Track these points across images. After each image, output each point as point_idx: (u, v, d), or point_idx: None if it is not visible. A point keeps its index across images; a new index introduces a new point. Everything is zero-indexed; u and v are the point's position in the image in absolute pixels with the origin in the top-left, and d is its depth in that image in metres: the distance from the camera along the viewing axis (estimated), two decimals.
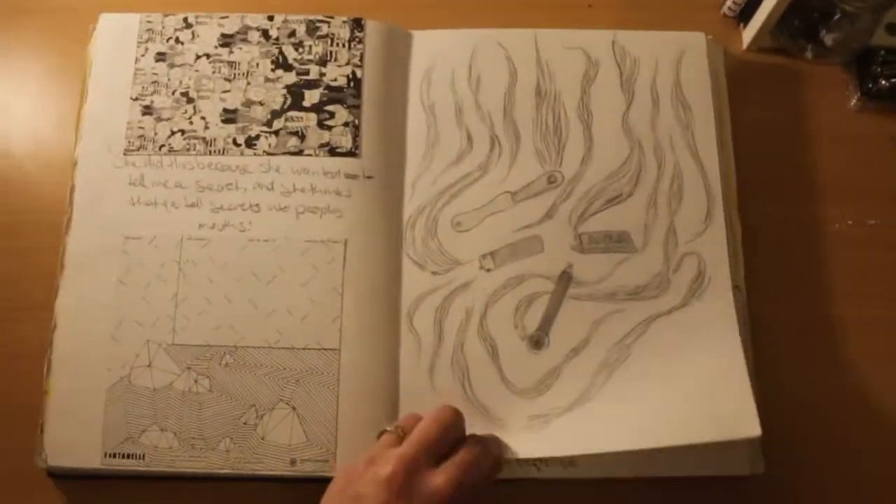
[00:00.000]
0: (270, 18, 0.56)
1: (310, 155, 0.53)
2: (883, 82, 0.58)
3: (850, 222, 0.57)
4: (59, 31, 0.59)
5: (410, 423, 0.46)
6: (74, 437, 0.49)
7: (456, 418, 0.46)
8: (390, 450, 0.43)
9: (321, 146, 0.53)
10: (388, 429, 0.46)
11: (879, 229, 0.56)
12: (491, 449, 0.46)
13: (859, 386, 0.53)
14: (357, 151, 0.53)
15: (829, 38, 0.58)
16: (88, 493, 0.50)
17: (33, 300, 0.52)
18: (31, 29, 0.60)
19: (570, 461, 0.49)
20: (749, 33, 0.60)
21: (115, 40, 0.56)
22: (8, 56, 0.59)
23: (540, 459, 0.49)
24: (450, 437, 0.45)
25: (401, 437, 0.45)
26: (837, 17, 0.57)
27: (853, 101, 0.59)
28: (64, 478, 0.50)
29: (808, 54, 0.60)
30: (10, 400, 0.51)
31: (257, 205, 0.52)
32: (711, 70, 0.57)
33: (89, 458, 0.48)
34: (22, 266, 0.54)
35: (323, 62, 0.55)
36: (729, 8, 0.60)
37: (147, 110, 0.54)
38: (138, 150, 0.53)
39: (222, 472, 0.48)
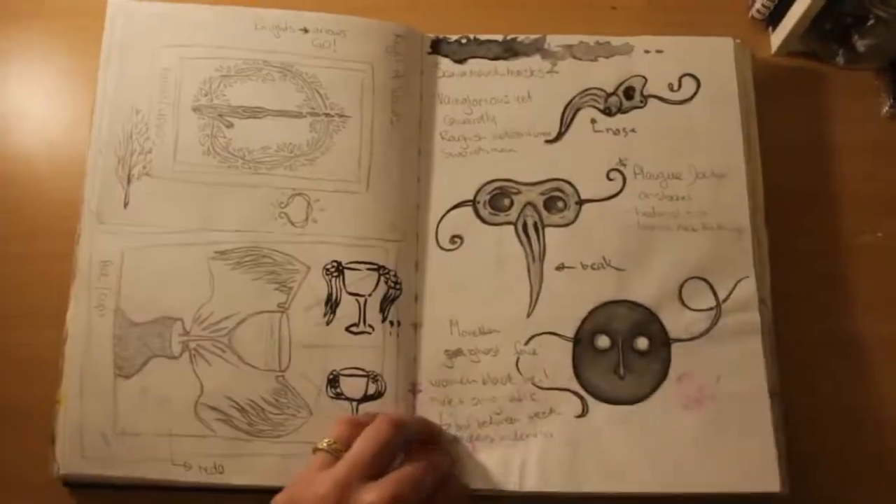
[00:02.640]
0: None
1: None
2: None
3: (880, 234, 0.55)
4: (72, 31, 0.58)
5: (347, 436, 0.45)
6: (87, 445, 0.48)
7: (393, 433, 0.44)
8: (324, 472, 0.42)
9: None
10: (322, 446, 0.45)
11: None
12: (438, 461, 0.45)
13: (889, 402, 0.52)
14: None
15: (861, 44, 0.56)
16: (104, 502, 0.50)
17: (47, 307, 0.51)
18: (43, 30, 0.59)
19: None
20: (778, 37, 0.58)
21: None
22: (21, 58, 0.59)
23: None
24: (387, 454, 0.44)
25: (335, 454, 0.44)
26: (871, 22, 0.56)
27: (885, 109, 0.57)
28: (79, 486, 0.49)
29: (840, 60, 0.58)
30: (25, 408, 0.51)
31: None
32: (739, 76, 0.55)
33: (103, 466, 0.48)
34: (37, 272, 0.53)
35: None
36: (758, 11, 0.59)
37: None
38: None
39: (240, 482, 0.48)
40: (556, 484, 0.48)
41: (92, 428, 0.48)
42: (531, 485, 0.48)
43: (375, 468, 0.43)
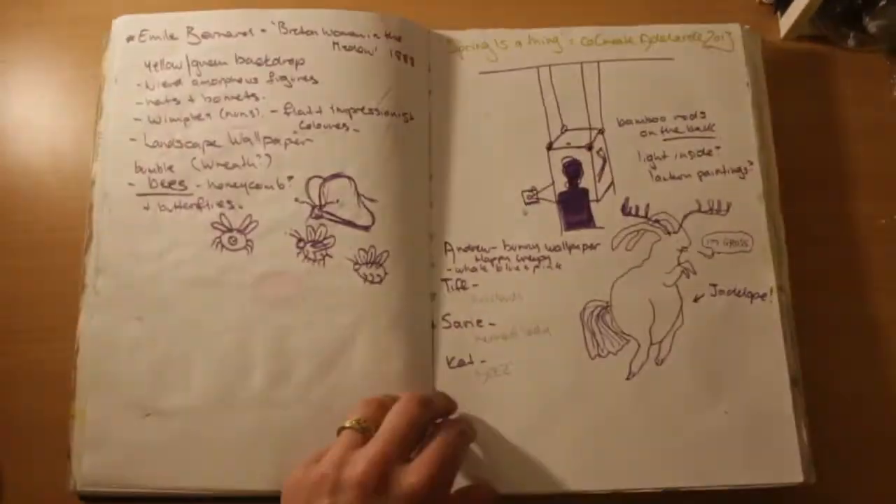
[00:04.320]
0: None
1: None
2: None
3: None
4: (76, 40, 0.58)
5: (374, 415, 0.43)
6: (103, 459, 0.47)
7: (424, 410, 0.43)
8: (356, 451, 0.41)
9: None
10: (348, 424, 0.43)
11: None
12: (466, 432, 0.45)
13: None
14: None
15: (873, 25, 0.56)
16: None
17: (58, 320, 0.51)
18: (47, 40, 0.59)
19: None
20: (787, 21, 0.57)
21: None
22: (26, 68, 0.58)
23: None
24: (418, 431, 0.43)
25: (364, 433, 0.42)
26: (883, 2, 0.55)
27: None
28: (97, 500, 0.49)
29: (850, 42, 0.57)
30: (40, 423, 0.50)
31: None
32: (749, 61, 0.54)
33: (119, 480, 0.47)
34: (46, 285, 0.53)
35: None
36: None
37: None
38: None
39: (257, 489, 0.47)
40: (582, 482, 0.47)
41: (107, 441, 0.48)
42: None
43: (408, 446, 0.42)
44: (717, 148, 0.53)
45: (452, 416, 0.47)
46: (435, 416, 0.45)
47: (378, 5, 0.55)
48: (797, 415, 0.48)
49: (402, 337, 0.49)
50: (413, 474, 0.40)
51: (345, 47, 0.53)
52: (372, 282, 0.50)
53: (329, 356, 0.49)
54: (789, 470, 0.47)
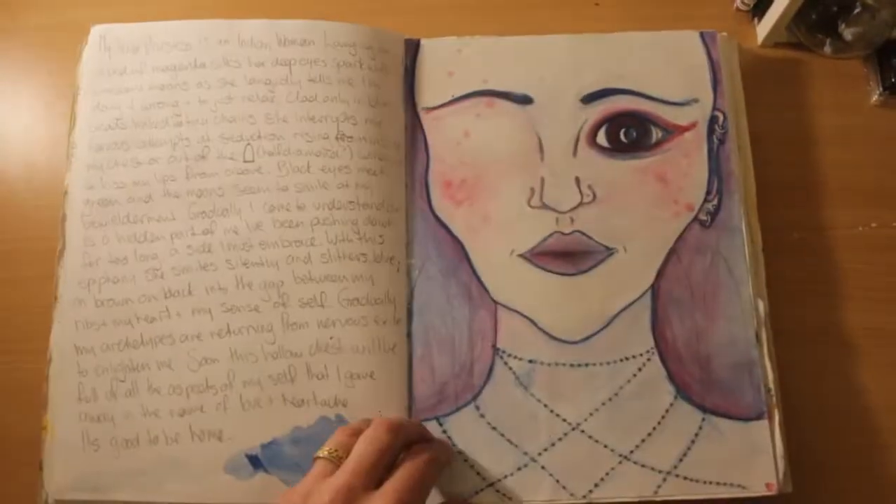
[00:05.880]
0: None
1: None
2: None
3: (874, 225, 0.54)
4: (52, 49, 0.58)
5: (347, 443, 0.43)
6: (75, 470, 0.47)
7: (392, 437, 0.43)
8: (324, 481, 0.41)
9: None
10: (322, 455, 0.43)
11: None
12: (436, 455, 0.44)
13: (888, 395, 0.51)
14: None
15: (848, 32, 0.56)
16: None
17: (31, 331, 0.51)
18: (22, 47, 0.58)
19: None
20: (764, 28, 0.57)
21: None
22: (0, 76, 0.58)
23: None
24: (387, 457, 0.43)
25: (336, 462, 0.42)
26: (857, 10, 0.55)
27: (874, 97, 0.57)
28: None
29: (827, 49, 0.57)
30: (12, 435, 0.50)
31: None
32: (726, 68, 0.54)
33: (91, 491, 0.47)
34: (20, 296, 0.52)
35: None
36: (743, 2, 0.58)
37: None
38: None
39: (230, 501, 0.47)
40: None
41: (79, 452, 0.47)
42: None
43: (376, 474, 0.42)
44: None
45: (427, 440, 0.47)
46: (407, 441, 0.45)
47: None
48: (773, 423, 0.48)
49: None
50: (378, 501, 0.40)
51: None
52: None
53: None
54: (765, 479, 0.47)
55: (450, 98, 0.54)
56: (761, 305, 0.50)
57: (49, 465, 0.47)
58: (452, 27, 0.56)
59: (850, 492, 0.50)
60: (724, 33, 0.55)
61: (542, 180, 0.52)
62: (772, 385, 0.49)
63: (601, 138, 0.53)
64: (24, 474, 0.48)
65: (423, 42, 0.56)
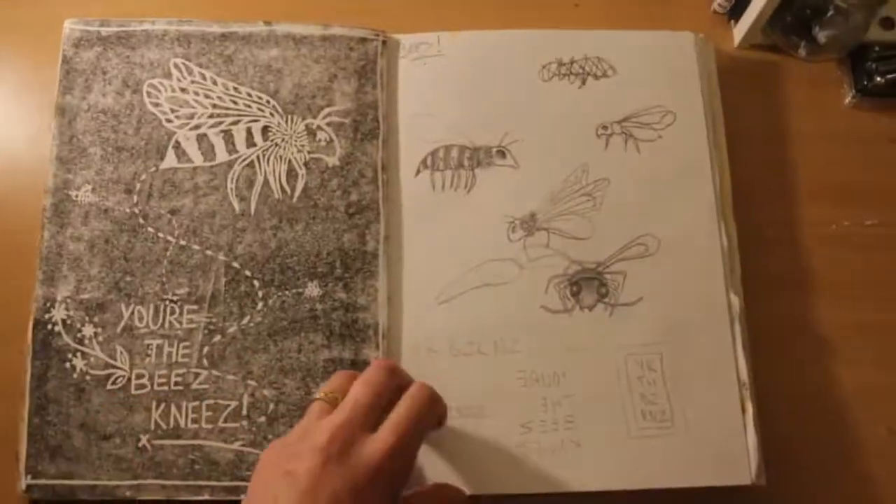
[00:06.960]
0: None
1: None
2: (878, 78, 0.57)
3: (846, 223, 0.55)
4: (27, 43, 0.57)
5: (343, 387, 0.43)
6: (52, 460, 0.47)
7: (390, 377, 0.43)
8: (322, 420, 0.41)
9: None
10: (319, 396, 0.43)
11: (877, 230, 0.55)
12: (435, 397, 0.44)
13: (860, 389, 0.52)
14: None
15: (822, 35, 0.57)
16: None
17: (9, 323, 0.50)
18: (3, 42, 0.58)
19: None
20: (740, 30, 0.58)
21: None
22: None
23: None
24: (384, 399, 0.42)
25: (333, 404, 0.42)
26: (831, 13, 0.56)
27: (848, 99, 0.58)
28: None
29: (802, 51, 0.58)
30: None
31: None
32: (702, 70, 0.55)
33: (69, 482, 0.47)
34: None
35: None
36: (719, 4, 0.59)
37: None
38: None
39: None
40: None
41: (56, 442, 0.48)
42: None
43: (373, 414, 0.41)
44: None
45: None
46: (404, 384, 0.44)
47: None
48: (747, 417, 0.49)
49: None
50: (373, 443, 0.40)
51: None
52: None
53: None
54: (739, 471, 0.48)
55: None
56: (735, 301, 0.51)
57: (26, 456, 0.47)
58: (433, 25, 0.57)
59: (822, 484, 0.51)
60: (700, 35, 0.56)
61: None
62: (746, 378, 0.49)
63: None
64: (7, 466, 0.48)
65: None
